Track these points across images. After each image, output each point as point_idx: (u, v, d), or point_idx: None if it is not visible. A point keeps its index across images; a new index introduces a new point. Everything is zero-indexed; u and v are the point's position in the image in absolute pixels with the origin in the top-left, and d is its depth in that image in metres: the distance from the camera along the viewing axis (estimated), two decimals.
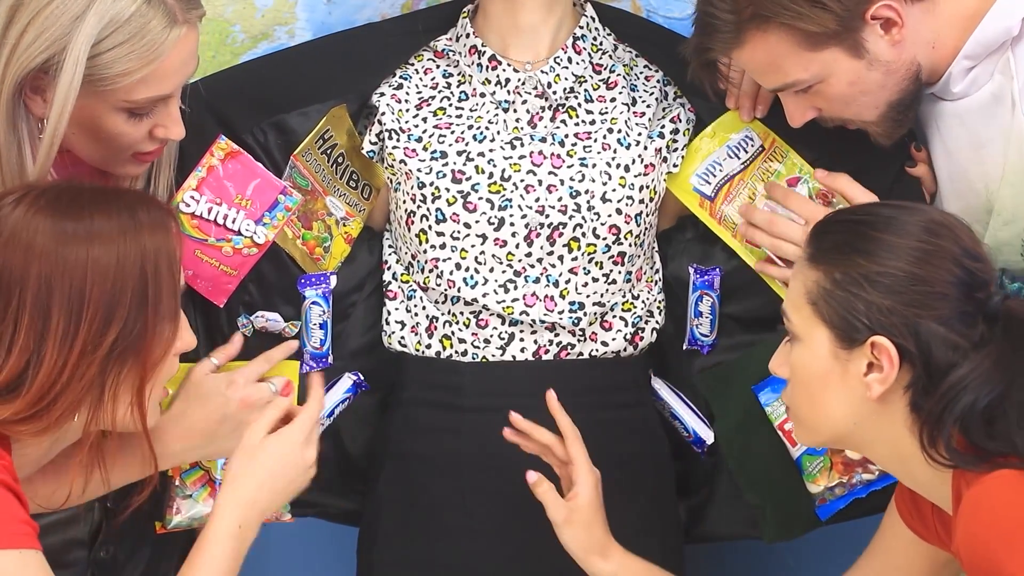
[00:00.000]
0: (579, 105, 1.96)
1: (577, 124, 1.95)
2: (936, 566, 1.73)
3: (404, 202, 1.95)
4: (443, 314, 1.95)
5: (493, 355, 1.93)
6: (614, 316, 1.97)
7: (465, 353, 1.94)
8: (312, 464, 1.64)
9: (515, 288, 1.92)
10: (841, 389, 1.56)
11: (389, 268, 2.00)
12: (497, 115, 1.95)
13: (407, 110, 1.96)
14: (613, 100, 1.97)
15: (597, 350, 1.96)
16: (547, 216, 1.90)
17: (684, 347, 2.03)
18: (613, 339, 1.96)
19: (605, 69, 1.99)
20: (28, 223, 1.50)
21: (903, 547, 1.74)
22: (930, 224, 1.55)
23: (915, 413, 1.53)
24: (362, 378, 2.01)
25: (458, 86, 1.98)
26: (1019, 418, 1.48)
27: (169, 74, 1.67)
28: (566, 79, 1.95)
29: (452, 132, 1.94)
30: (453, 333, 1.94)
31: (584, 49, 1.97)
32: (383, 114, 1.96)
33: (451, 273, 1.92)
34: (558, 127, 1.95)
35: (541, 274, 1.92)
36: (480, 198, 1.91)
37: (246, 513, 1.57)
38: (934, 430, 1.50)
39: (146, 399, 1.56)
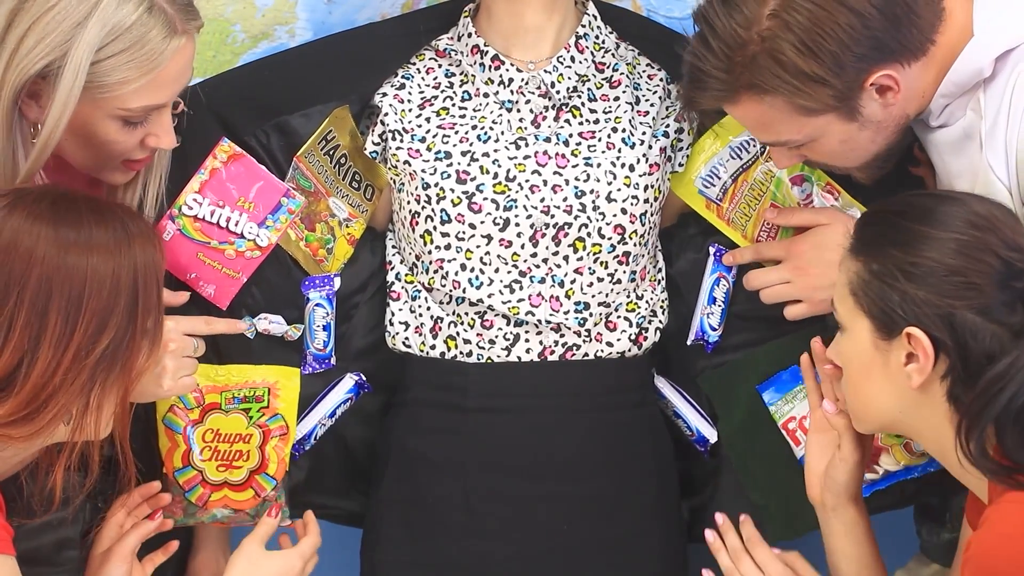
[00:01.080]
0: (583, 104, 1.95)
1: (581, 123, 1.94)
2: None
3: (408, 203, 1.94)
4: (448, 315, 1.94)
5: (498, 356, 1.93)
6: (619, 316, 1.96)
7: (470, 354, 1.93)
8: None
9: (520, 288, 1.91)
10: (884, 379, 1.59)
11: (392, 269, 1.99)
12: (501, 115, 1.94)
13: (410, 110, 1.95)
14: (617, 99, 1.96)
15: (602, 351, 1.95)
16: (552, 216, 1.90)
17: (689, 341, 2.02)
18: (618, 340, 1.96)
19: (608, 68, 1.98)
20: (30, 229, 1.53)
21: None
22: (971, 215, 1.57)
23: (953, 404, 1.54)
24: (364, 379, 2.00)
25: (461, 86, 1.97)
26: None
27: (166, 83, 1.68)
28: (569, 78, 1.94)
29: (456, 132, 1.93)
30: (458, 334, 1.94)
31: (587, 48, 1.96)
32: (386, 115, 1.95)
33: (456, 274, 1.91)
34: (562, 127, 1.94)
35: (546, 274, 1.91)
36: (485, 198, 1.90)
37: None
38: (971, 426, 1.51)
39: (128, 409, 1.61)
